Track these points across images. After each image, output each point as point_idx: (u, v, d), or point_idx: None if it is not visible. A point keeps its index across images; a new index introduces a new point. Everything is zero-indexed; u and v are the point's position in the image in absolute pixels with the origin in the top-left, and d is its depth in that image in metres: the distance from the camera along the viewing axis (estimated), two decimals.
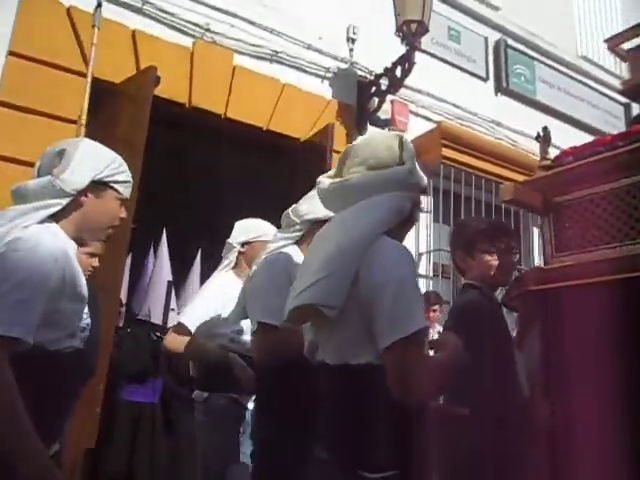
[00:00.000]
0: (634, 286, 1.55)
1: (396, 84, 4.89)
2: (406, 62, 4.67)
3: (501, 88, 6.40)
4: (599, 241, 1.78)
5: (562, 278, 1.75)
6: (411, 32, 4.54)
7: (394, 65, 4.81)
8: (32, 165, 3.47)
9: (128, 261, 4.22)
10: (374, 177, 1.34)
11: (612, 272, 1.64)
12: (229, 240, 2.72)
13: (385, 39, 5.05)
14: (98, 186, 1.44)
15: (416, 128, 5.47)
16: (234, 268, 2.71)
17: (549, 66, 6.95)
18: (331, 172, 1.49)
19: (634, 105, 7.69)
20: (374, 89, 5.07)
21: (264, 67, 4.68)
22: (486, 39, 6.42)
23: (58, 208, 1.37)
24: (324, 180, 1.46)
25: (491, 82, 6.39)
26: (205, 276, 4.21)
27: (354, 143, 1.47)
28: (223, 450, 2.41)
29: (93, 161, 1.44)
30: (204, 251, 4.87)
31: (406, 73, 4.74)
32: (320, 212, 1.94)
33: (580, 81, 7.22)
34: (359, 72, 5.24)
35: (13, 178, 3.32)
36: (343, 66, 5.18)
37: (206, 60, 4.30)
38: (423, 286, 5.15)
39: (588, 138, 6.73)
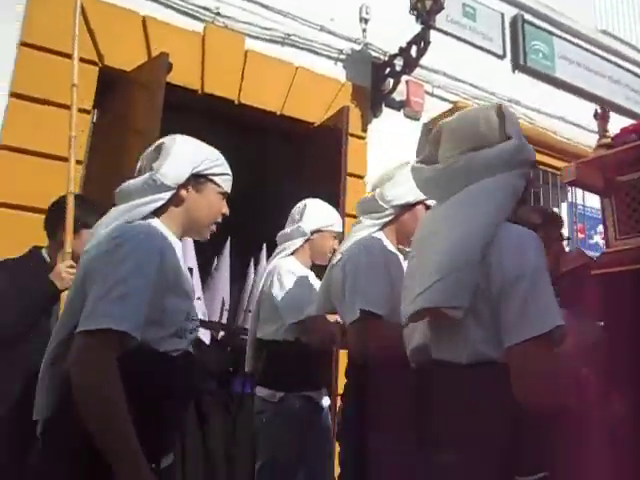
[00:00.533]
0: None
1: (411, 64, 4.77)
2: (421, 41, 4.55)
3: (519, 65, 6.23)
4: None
5: (628, 261, 1.65)
6: (425, 10, 4.42)
7: (409, 45, 4.70)
8: (45, 156, 3.45)
9: None
10: (481, 159, 1.22)
11: None
12: (300, 224, 2.54)
13: (399, 18, 4.92)
14: (198, 179, 1.39)
15: (432, 109, 5.36)
16: (293, 254, 2.55)
17: (568, 41, 6.75)
18: (423, 155, 1.37)
19: None
20: (388, 70, 4.97)
21: (276, 51, 4.59)
22: (502, 15, 6.24)
23: (160, 203, 1.33)
24: (421, 166, 1.34)
25: (508, 60, 6.23)
26: (234, 266, 4.16)
27: (446, 121, 1.33)
28: (294, 451, 2.30)
29: (191, 154, 1.39)
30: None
31: (421, 52, 4.62)
32: (409, 196, 1.89)
33: (600, 56, 7.01)
34: (373, 53, 5.13)
35: (27, 169, 3.32)
36: (357, 47, 5.07)
37: (217, 45, 4.23)
38: None
39: (610, 115, 6.56)
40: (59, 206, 2.18)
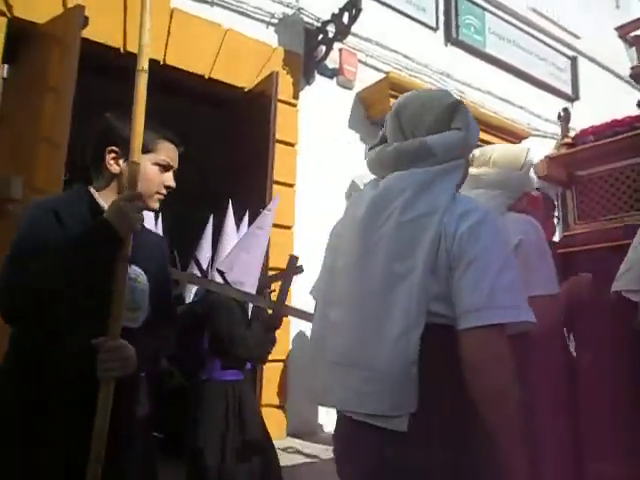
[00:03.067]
0: None
1: (343, 31, 4.74)
2: (353, 8, 4.53)
3: (451, 39, 6.33)
4: (618, 210, 2.05)
5: (584, 242, 1.95)
6: None
7: (341, 11, 4.66)
8: None
9: None
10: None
11: (630, 237, 1.80)
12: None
13: None
14: None
15: (365, 78, 5.38)
16: None
17: (499, 17, 6.91)
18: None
19: (580, 59, 7.80)
20: (321, 36, 4.92)
21: (205, 11, 4.44)
22: None
23: (462, 173, 1.24)
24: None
25: (441, 32, 6.30)
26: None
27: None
28: None
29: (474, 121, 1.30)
30: None
31: (353, 19, 4.60)
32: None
33: (528, 33, 7.23)
34: (306, 18, 5.05)
35: None
36: (289, 12, 4.97)
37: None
38: None
39: (535, 91, 6.80)
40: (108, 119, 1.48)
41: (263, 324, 2.62)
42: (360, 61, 5.40)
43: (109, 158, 1.41)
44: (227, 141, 4.63)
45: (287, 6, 4.96)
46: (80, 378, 1.26)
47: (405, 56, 5.78)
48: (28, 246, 1.26)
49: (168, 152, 1.50)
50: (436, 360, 1.07)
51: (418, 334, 1.07)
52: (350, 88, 5.35)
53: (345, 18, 4.65)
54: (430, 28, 6.17)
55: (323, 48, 4.96)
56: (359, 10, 4.48)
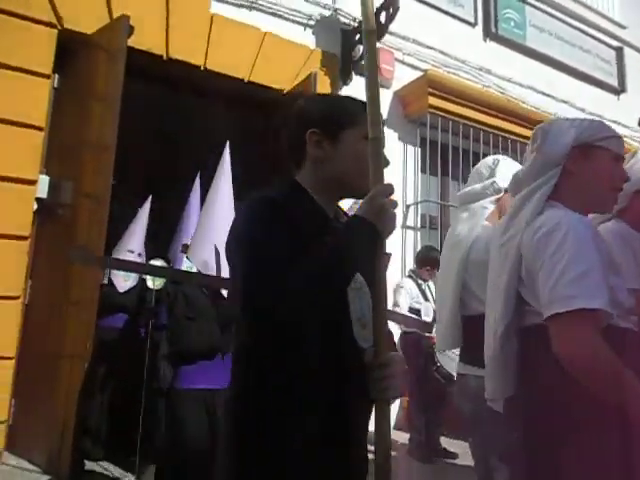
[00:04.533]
0: None
1: (380, 30, 4.72)
2: (390, 7, 4.52)
3: (490, 34, 6.23)
4: None
5: None
6: None
7: (378, 10, 4.64)
8: (5, 122, 3.29)
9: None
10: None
11: None
12: (495, 179, 2.02)
13: None
14: (584, 149, 1.34)
15: (403, 76, 5.35)
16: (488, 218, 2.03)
17: (540, 9, 6.75)
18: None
19: (626, 49, 7.54)
20: (358, 36, 4.92)
21: (243, 15, 4.51)
22: None
23: (553, 182, 1.34)
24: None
25: (480, 27, 6.21)
26: None
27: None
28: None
29: (570, 126, 1.37)
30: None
31: (391, 18, 4.59)
32: None
33: (571, 24, 7.03)
34: (342, 19, 5.07)
35: None
36: (326, 13, 5.00)
37: (182, 8, 4.13)
38: (411, 238, 5.16)
39: (579, 84, 6.59)
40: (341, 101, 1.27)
41: None
42: (397, 59, 5.38)
43: (311, 142, 1.17)
44: (265, 143, 4.69)
45: (324, 7, 4.99)
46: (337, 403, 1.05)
47: (443, 53, 5.72)
48: (275, 247, 1.04)
49: None
50: (537, 354, 1.22)
51: (501, 331, 1.31)
52: (387, 87, 5.33)
53: (382, 17, 4.64)
54: (468, 23, 6.09)
55: (360, 48, 4.96)
56: (397, 9, 4.47)
